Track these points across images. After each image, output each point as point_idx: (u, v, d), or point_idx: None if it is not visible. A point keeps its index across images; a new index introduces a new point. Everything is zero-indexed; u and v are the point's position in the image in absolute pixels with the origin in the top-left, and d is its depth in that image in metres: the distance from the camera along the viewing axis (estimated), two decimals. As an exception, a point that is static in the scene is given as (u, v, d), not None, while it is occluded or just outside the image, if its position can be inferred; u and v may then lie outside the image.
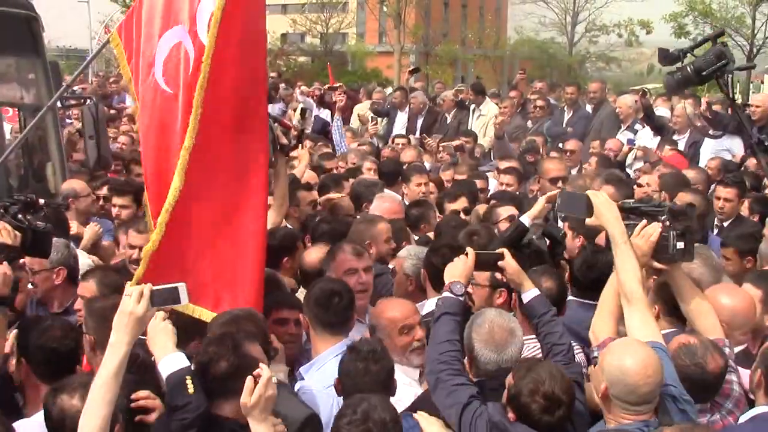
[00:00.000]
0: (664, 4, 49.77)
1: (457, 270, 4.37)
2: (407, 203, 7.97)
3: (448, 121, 13.99)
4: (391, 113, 14.46)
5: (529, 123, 13.33)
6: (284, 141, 6.05)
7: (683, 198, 7.16)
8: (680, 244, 4.20)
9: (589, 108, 13.22)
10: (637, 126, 11.99)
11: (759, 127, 10.99)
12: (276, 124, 5.87)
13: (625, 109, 12.22)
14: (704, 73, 5.05)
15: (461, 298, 4.21)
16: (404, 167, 9.16)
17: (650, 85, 20.15)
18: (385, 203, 7.39)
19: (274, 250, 5.45)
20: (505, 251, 4.50)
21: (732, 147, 10.94)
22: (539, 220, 6.19)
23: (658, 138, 11.54)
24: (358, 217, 7.19)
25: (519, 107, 14.22)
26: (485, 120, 13.24)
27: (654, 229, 4.23)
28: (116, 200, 7.38)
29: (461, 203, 7.68)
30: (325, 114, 15.45)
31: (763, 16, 47.97)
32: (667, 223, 4.25)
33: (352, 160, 10.45)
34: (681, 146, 11.17)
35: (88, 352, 4.39)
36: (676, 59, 5.22)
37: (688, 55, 5.18)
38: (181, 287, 3.71)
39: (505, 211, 6.92)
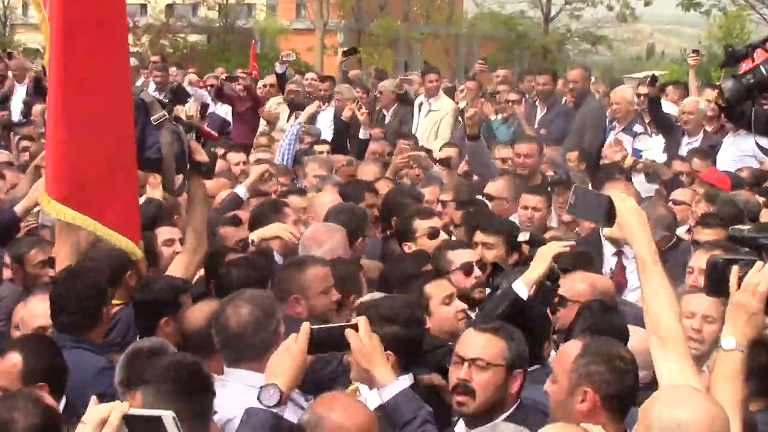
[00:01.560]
0: (666, -34, 50.69)
1: (277, 364, 3.97)
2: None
3: (387, 119, 14.07)
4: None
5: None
6: (202, 157, 5.81)
7: None
8: None
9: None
10: (637, 127, 11.76)
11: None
12: (190, 134, 5.75)
13: (624, 105, 11.87)
14: None
15: (275, 411, 3.84)
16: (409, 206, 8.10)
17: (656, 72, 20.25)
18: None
19: (151, 307, 5.54)
20: (361, 320, 4.08)
21: (758, 151, 10.72)
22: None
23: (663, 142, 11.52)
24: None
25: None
26: (437, 117, 13.30)
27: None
28: None
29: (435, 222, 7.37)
30: (224, 110, 15.49)
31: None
32: None
33: (313, 172, 9.83)
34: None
35: None
36: (744, 57, 5.32)
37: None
38: (166, 417, 3.32)
39: (459, 256, 6.44)
